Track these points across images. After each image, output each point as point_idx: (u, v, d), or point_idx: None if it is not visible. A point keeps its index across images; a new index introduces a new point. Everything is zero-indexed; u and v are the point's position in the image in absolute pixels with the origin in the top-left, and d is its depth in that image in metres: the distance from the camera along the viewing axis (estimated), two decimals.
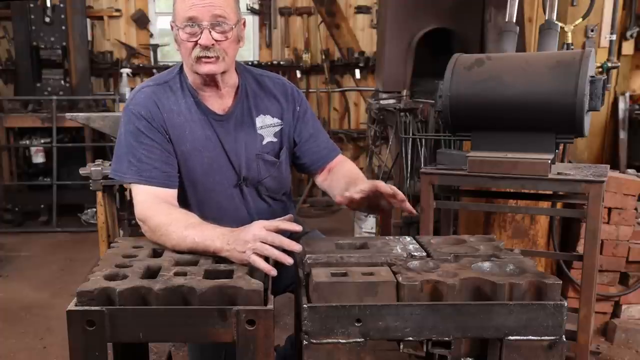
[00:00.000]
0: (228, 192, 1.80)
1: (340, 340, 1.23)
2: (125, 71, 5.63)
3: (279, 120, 1.83)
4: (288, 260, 1.37)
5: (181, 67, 1.77)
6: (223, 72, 1.69)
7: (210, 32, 1.61)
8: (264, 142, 1.81)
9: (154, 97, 1.72)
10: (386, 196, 1.55)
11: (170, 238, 1.51)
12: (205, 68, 1.65)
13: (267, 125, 1.82)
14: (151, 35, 6.43)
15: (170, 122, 1.71)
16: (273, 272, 1.35)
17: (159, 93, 1.73)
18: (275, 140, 1.83)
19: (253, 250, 1.36)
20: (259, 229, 1.39)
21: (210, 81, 1.71)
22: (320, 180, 1.94)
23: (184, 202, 1.74)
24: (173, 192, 1.70)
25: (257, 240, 1.36)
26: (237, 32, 1.68)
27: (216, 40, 1.62)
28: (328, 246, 1.53)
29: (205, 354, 1.85)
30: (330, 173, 1.92)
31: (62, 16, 5.56)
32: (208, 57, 1.63)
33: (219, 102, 1.77)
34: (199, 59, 1.64)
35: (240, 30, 1.72)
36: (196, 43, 1.62)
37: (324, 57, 6.37)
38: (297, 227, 1.42)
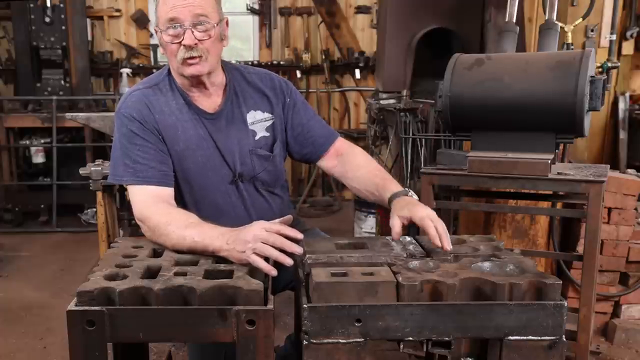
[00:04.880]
0: (224, 190, 1.81)
1: (340, 340, 1.23)
2: (125, 71, 5.62)
3: (270, 115, 1.85)
4: (288, 262, 1.37)
5: (169, 69, 1.78)
6: (209, 72, 1.71)
7: (192, 31, 1.62)
8: (257, 138, 1.83)
9: (145, 99, 1.74)
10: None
11: (169, 238, 1.52)
12: (190, 70, 1.67)
13: (258, 121, 1.83)
14: (151, 35, 6.42)
15: (162, 123, 1.73)
16: (273, 272, 1.35)
17: (150, 95, 1.75)
18: (267, 134, 1.85)
19: (253, 250, 1.36)
20: (260, 229, 1.39)
21: (197, 82, 1.73)
22: (329, 166, 1.92)
23: (180, 201, 1.74)
24: (170, 191, 1.70)
25: (258, 241, 1.36)
26: (219, 30, 1.69)
27: (199, 40, 1.64)
28: (328, 246, 1.53)
29: (205, 354, 1.85)
30: (340, 159, 1.90)
31: (62, 16, 5.55)
32: (192, 58, 1.65)
33: (209, 101, 1.78)
34: (184, 60, 1.65)
35: (224, 29, 1.73)
36: (180, 44, 1.64)
37: (324, 57, 6.37)
38: (299, 235, 1.42)
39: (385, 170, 1.86)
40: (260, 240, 1.36)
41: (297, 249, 1.38)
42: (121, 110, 1.73)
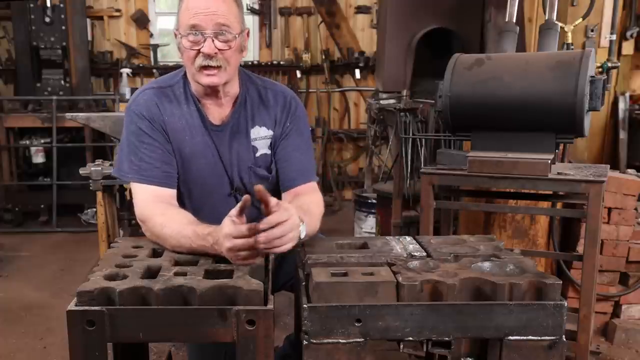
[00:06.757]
0: (222, 200, 1.80)
1: (340, 340, 1.23)
2: (125, 71, 5.62)
3: (272, 132, 1.81)
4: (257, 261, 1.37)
5: (186, 72, 1.76)
6: (225, 83, 1.69)
7: (213, 40, 1.60)
8: (258, 154, 1.80)
9: (156, 99, 1.73)
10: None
11: (168, 238, 1.52)
12: (207, 80, 1.65)
13: (261, 137, 1.80)
14: (151, 35, 6.43)
15: (170, 126, 1.72)
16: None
17: (161, 96, 1.74)
18: (269, 152, 1.82)
19: (235, 260, 1.37)
20: (230, 241, 1.34)
21: (212, 91, 1.71)
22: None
23: (180, 205, 1.73)
24: (173, 192, 1.71)
25: (232, 253, 1.35)
26: (240, 41, 1.67)
27: (219, 49, 1.61)
28: (328, 246, 1.53)
29: (204, 354, 1.85)
30: (294, 199, 1.73)
31: (62, 16, 5.55)
32: (210, 67, 1.63)
33: (218, 111, 1.77)
34: (201, 68, 1.63)
35: (244, 40, 1.71)
36: (199, 51, 1.62)
37: (324, 57, 6.36)
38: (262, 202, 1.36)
39: (311, 212, 1.61)
40: (234, 253, 1.35)
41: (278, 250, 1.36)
42: (132, 108, 1.73)
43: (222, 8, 1.61)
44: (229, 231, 1.34)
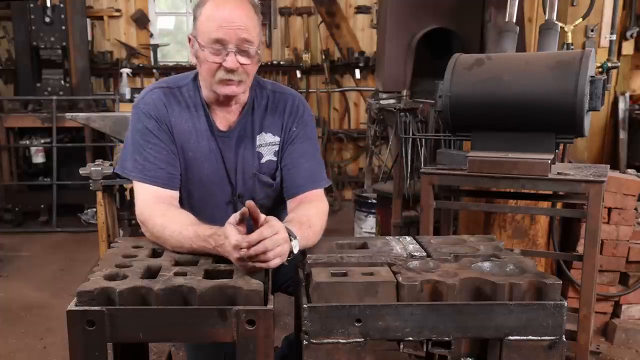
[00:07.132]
0: (221, 207, 1.79)
1: (340, 340, 1.23)
2: (125, 71, 5.63)
3: (280, 139, 1.80)
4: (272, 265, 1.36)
5: (197, 75, 1.75)
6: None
7: (235, 54, 1.59)
8: (263, 161, 1.79)
9: (165, 99, 1.72)
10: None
11: (169, 238, 1.52)
12: (227, 90, 1.64)
13: (267, 144, 1.79)
14: (151, 35, 6.43)
15: (176, 128, 1.71)
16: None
17: (170, 97, 1.73)
18: (275, 159, 1.80)
19: (244, 268, 1.36)
20: (237, 252, 1.33)
21: (225, 99, 1.70)
22: (288, 210, 1.76)
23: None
24: (175, 194, 1.70)
25: (243, 262, 1.34)
26: (260, 54, 1.67)
27: (241, 64, 1.61)
28: (328, 246, 1.53)
29: (200, 355, 1.85)
30: (297, 208, 1.72)
31: (62, 16, 5.55)
32: (231, 80, 1.62)
33: (226, 117, 1.76)
34: (221, 80, 1.62)
35: (261, 51, 1.70)
36: (220, 65, 1.61)
37: (324, 57, 6.37)
38: (260, 217, 1.37)
39: (311, 224, 1.57)
40: (243, 262, 1.34)
41: (274, 263, 1.35)
42: (140, 106, 1.72)
43: (248, 23, 1.60)
44: (236, 242, 1.33)
